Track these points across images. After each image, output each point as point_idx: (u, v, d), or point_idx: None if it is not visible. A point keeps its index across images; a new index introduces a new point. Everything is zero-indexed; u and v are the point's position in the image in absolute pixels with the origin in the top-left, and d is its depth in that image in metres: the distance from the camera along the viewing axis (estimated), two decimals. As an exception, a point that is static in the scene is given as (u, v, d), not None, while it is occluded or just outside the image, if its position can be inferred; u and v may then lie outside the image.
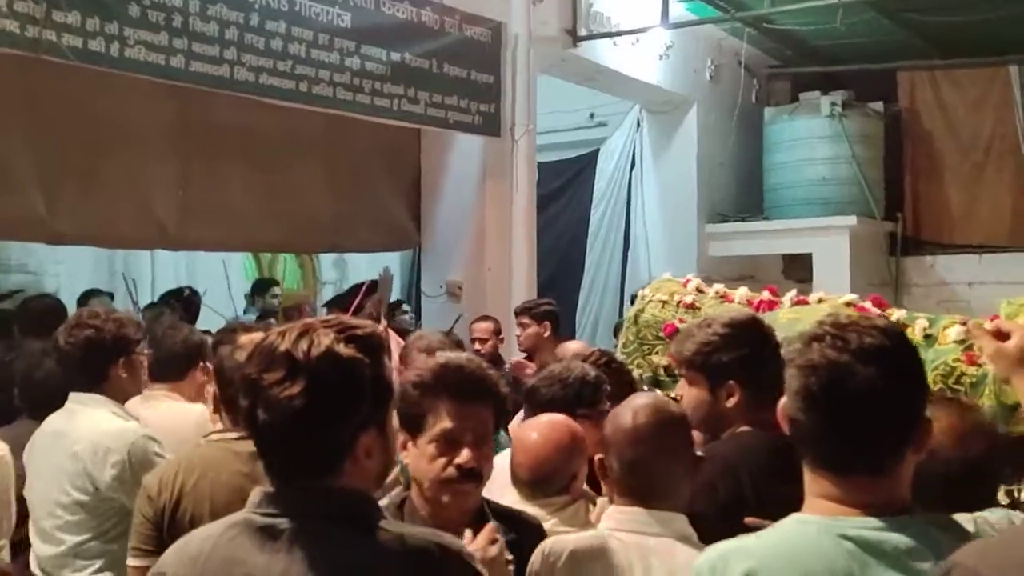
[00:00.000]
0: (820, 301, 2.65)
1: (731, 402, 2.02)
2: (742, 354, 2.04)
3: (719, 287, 2.83)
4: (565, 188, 8.99)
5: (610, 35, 6.86)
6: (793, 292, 2.71)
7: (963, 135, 8.20)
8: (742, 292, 2.74)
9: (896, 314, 2.52)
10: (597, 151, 8.93)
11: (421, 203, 6.17)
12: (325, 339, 1.29)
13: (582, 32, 6.68)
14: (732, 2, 7.09)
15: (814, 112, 8.08)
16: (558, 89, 7.45)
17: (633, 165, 8.58)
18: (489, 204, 5.86)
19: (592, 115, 9.42)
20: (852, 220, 7.68)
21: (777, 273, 8.77)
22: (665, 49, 7.57)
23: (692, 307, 2.78)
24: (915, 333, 2.48)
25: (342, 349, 1.28)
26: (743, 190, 8.51)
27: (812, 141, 8.05)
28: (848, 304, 2.62)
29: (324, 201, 5.61)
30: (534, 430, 2.11)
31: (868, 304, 2.58)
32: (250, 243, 5.68)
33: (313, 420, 1.26)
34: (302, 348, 1.28)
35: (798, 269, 8.59)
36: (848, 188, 7.97)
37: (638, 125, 8.54)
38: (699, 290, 2.85)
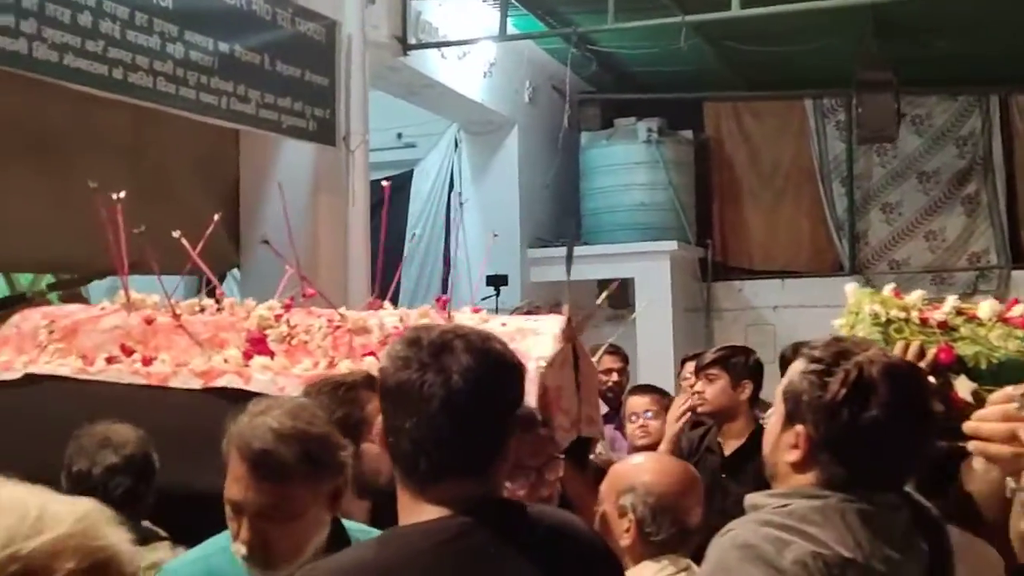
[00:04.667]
0: None
1: None
2: None
3: (954, 301, 2.35)
4: (376, 209, 8.48)
5: (440, 45, 6.51)
6: None
7: (764, 164, 8.56)
8: (988, 305, 2.32)
9: None
10: (411, 172, 8.52)
11: (240, 218, 5.47)
12: None
13: (412, 41, 6.28)
14: (560, 19, 6.97)
15: (631, 138, 8.13)
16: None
17: (452, 187, 8.24)
18: (322, 221, 5.28)
19: (400, 135, 9.02)
20: (673, 245, 7.76)
21: (593, 298, 8.73)
22: (489, 67, 7.31)
23: (946, 327, 2.29)
24: None
25: None
26: (562, 215, 8.39)
27: (630, 167, 8.09)
28: None
29: (126, 213, 4.78)
30: None
31: None
32: (37, 262, 4.74)
33: None
34: None
35: (615, 295, 8.59)
36: (665, 214, 8.05)
37: (456, 145, 8.22)
38: (905, 308, 2.39)
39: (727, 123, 8.65)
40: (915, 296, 2.57)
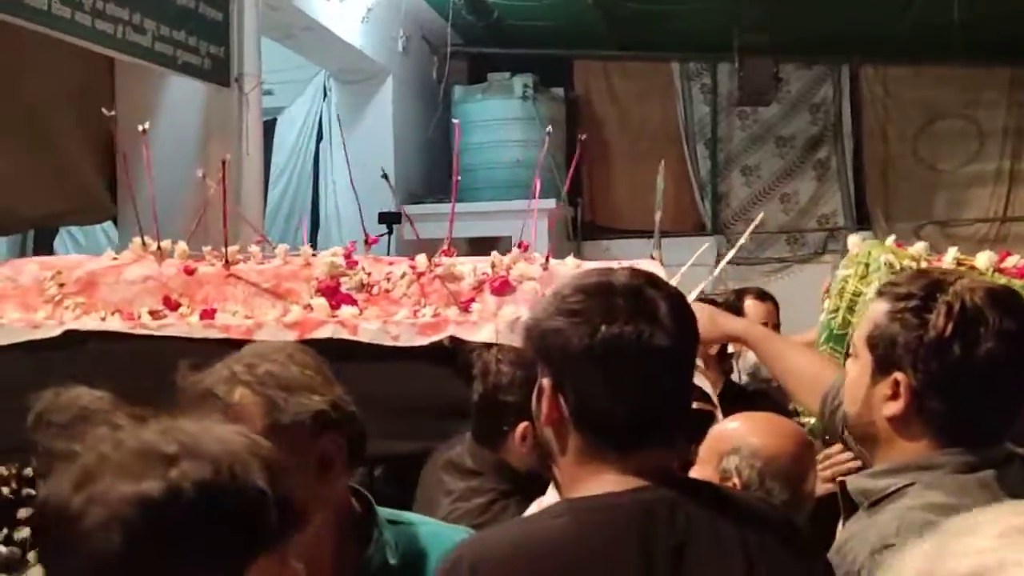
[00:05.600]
0: None
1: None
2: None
3: (955, 252, 2.39)
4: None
5: (327, -16, 6.13)
6: None
7: (632, 125, 8.69)
8: (986, 256, 2.34)
9: None
10: (274, 120, 8.04)
11: (117, 163, 4.94)
12: None
13: (296, -22, 5.87)
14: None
15: (506, 93, 8.02)
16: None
17: (320, 138, 7.85)
18: (214, 170, 4.83)
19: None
20: (552, 203, 7.73)
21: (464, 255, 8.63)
22: (367, 12, 6.97)
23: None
24: None
25: None
26: (436, 170, 8.20)
27: (506, 122, 7.98)
28: None
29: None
30: None
31: None
32: None
33: None
34: None
35: (484, 253, 8.54)
36: (543, 172, 8.01)
37: (325, 94, 7.83)
38: (915, 259, 2.41)
39: (596, 82, 8.71)
40: (920, 247, 2.68)
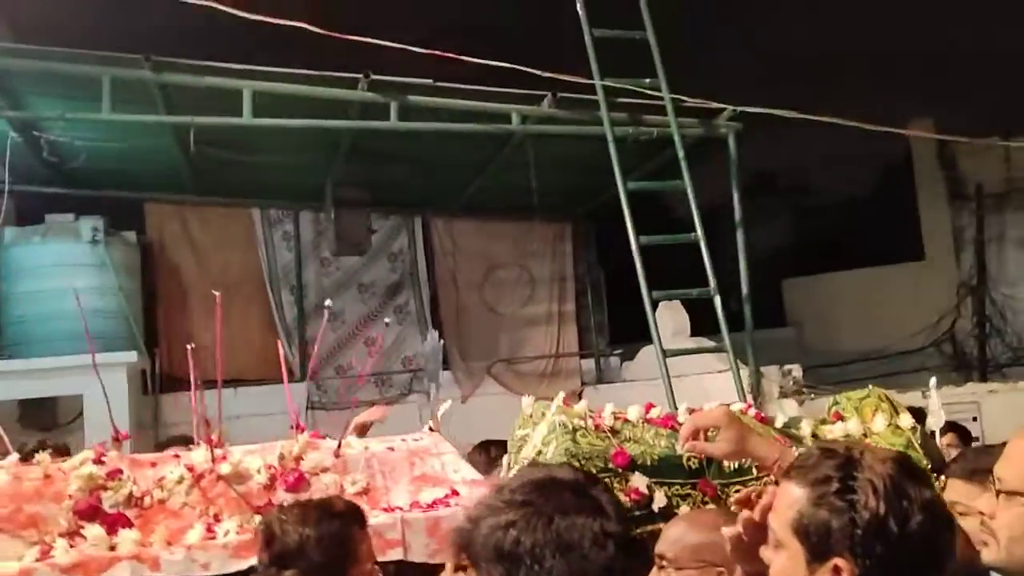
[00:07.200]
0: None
1: None
2: None
3: (612, 408, 2.45)
4: None
5: None
6: (683, 406, 2.51)
7: (213, 271, 8.33)
8: (634, 409, 2.40)
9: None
10: None
11: None
12: None
13: None
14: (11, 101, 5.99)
15: (72, 237, 7.26)
16: None
17: None
18: None
19: None
20: (132, 356, 7.04)
21: (11, 421, 7.42)
22: None
23: (614, 431, 2.34)
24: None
25: None
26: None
27: (70, 268, 7.17)
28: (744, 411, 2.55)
29: None
30: None
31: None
32: None
33: None
34: None
35: (42, 415, 7.51)
36: (114, 322, 7.29)
37: None
38: (582, 417, 2.44)
39: (171, 226, 8.27)
40: (582, 406, 2.86)
